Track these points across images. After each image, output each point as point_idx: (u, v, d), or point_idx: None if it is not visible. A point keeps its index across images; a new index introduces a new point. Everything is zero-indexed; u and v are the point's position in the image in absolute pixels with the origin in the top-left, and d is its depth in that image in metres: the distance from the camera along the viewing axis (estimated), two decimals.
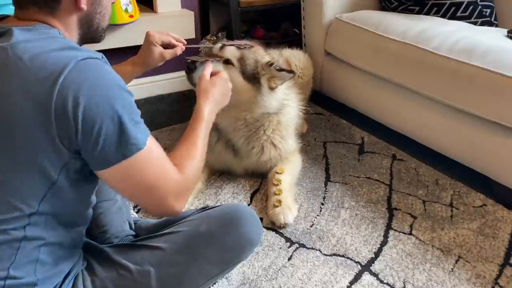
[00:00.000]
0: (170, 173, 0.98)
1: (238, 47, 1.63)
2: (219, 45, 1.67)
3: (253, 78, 1.61)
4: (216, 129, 1.75)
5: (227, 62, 1.60)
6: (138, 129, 0.92)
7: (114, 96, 0.89)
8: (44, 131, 0.86)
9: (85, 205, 1.04)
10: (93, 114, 0.86)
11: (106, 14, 1.07)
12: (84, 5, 0.98)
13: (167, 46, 1.42)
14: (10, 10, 1.70)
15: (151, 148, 0.94)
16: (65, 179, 0.91)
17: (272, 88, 1.64)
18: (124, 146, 0.90)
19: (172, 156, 1.02)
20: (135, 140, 0.91)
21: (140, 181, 0.94)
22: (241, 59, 1.60)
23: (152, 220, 1.41)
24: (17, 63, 0.86)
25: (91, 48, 1.03)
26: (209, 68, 1.32)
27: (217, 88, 1.28)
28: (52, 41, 0.91)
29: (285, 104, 1.75)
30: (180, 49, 1.42)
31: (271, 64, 1.62)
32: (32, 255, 0.92)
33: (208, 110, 1.21)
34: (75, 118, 0.85)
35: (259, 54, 1.66)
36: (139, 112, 0.95)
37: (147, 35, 1.40)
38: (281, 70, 1.62)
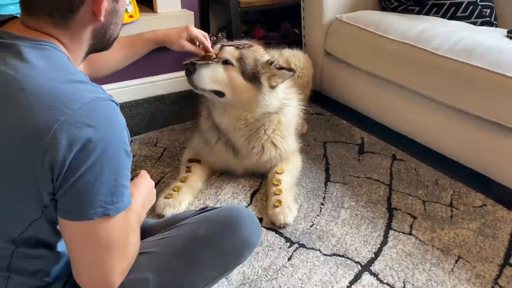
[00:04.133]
0: (129, 241, 0.95)
1: (237, 47, 1.63)
2: (218, 45, 1.67)
3: (253, 77, 1.61)
4: (216, 128, 1.75)
5: (226, 62, 1.60)
6: (127, 192, 0.88)
7: (117, 153, 0.84)
8: (31, 169, 0.80)
9: None
10: (86, 158, 0.80)
11: (120, 23, 1.02)
12: (103, 17, 0.92)
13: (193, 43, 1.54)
14: (10, 10, 1.70)
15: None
16: (46, 217, 0.88)
17: (272, 87, 1.64)
18: (109, 203, 0.85)
19: None
20: (122, 203, 0.87)
21: (103, 240, 0.87)
22: (240, 59, 1.60)
23: (152, 220, 1.40)
24: (17, 93, 0.80)
25: None
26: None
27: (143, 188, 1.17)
28: (60, 70, 0.86)
29: (286, 104, 1.74)
30: (200, 51, 1.55)
31: (271, 63, 1.62)
32: (23, 283, 0.91)
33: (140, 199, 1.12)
34: (65, 158, 0.79)
35: (258, 53, 1.66)
36: (129, 177, 0.90)
37: (189, 25, 1.53)
38: (281, 68, 1.62)
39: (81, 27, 0.93)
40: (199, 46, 1.56)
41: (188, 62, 1.56)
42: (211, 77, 1.57)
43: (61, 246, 0.95)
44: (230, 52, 1.61)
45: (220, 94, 1.61)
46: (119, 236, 0.90)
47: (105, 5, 0.92)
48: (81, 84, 0.86)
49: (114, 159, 0.84)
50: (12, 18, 0.95)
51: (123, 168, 0.87)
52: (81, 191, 0.82)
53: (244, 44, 1.66)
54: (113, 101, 0.88)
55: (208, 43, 1.56)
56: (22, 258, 0.91)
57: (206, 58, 1.58)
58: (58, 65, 0.87)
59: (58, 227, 0.90)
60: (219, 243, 1.11)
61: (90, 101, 0.82)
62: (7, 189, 0.84)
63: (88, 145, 0.80)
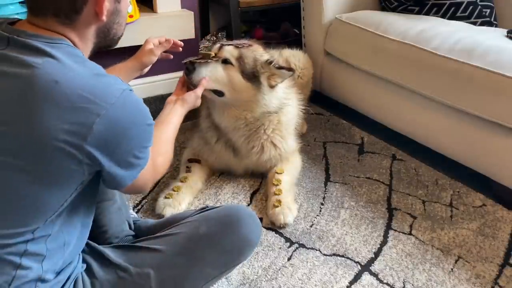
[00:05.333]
0: (155, 175, 1.10)
1: (236, 46, 1.62)
2: (217, 45, 1.66)
3: (252, 76, 1.61)
4: (216, 128, 1.75)
5: (225, 61, 1.60)
6: (148, 150, 1.00)
7: (144, 130, 0.96)
8: (74, 157, 0.86)
9: (90, 208, 1.04)
10: (121, 141, 0.91)
11: (123, 23, 1.06)
12: (104, 16, 0.96)
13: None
14: (10, 10, 1.70)
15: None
16: (77, 195, 0.93)
17: (272, 86, 1.64)
18: (141, 165, 0.98)
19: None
20: (142, 165, 0.99)
21: (140, 181, 1.01)
22: (240, 58, 1.60)
23: (152, 220, 1.41)
24: (52, 86, 0.84)
25: None
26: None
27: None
28: (83, 65, 0.90)
29: (286, 104, 1.74)
30: (167, 42, 1.48)
31: (270, 62, 1.62)
32: (32, 271, 0.91)
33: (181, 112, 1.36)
34: (104, 145, 0.88)
35: (258, 52, 1.65)
36: (152, 137, 1.01)
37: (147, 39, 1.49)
38: (280, 67, 1.62)
39: (85, 27, 0.96)
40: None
41: (188, 62, 1.56)
42: (210, 76, 1.57)
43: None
44: (229, 51, 1.61)
45: (219, 93, 1.61)
46: (148, 175, 1.04)
47: (107, 5, 0.96)
48: (105, 77, 0.91)
49: (141, 135, 0.96)
50: (18, 20, 0.97)
51: (147, 138, 0.98)
52: (119, 172, 0.93)
53: (244, 43, 1.66)
54: (130, 89, 0.94)
55: (168, 38, 1.51)
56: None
57: (205, 57, 1.58)
58: (80, 60, 0.91)
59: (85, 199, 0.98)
60: (220, 242, 1.12)
61: (120, 94, 0.89)
62: (52, 173, 0.87)
63: (123, 131, 0.90)
